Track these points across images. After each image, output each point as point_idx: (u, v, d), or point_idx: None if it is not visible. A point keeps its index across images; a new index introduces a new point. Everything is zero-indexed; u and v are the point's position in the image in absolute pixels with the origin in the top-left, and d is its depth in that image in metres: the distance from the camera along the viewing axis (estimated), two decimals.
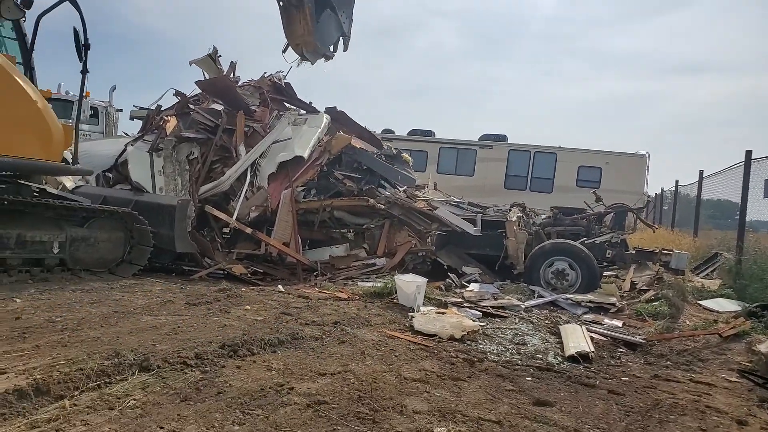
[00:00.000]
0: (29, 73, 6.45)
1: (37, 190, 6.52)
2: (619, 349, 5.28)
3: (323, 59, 10.16)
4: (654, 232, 11.50)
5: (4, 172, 6.11)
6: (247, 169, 8.74)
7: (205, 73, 10.54)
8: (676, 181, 17.63)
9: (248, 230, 8.27)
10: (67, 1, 6.16)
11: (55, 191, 7.03)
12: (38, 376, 3.14)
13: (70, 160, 6.53)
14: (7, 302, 4.92)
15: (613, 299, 7.12)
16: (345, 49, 10.25)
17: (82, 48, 6.31)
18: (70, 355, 3.64)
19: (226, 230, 8.61)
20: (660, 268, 8.29)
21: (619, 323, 6.25)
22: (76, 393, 3.08)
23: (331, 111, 10.71)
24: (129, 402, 3.04)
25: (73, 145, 6.56)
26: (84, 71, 6.50)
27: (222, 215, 8.25)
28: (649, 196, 18.48)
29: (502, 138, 19.39)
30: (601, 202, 9.72)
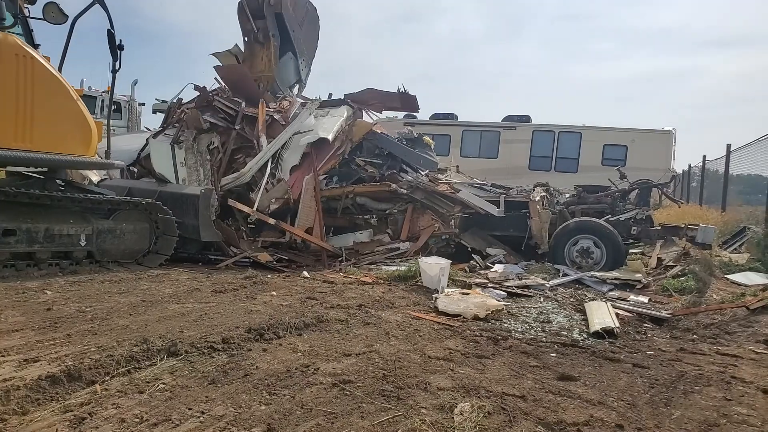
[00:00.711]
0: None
1: (63, 184, 6.67)
2: (645, 325, 5.22)
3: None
4: (680, 207, 11.30)
5: (43, 168, 6.38)
6: (268, 161, 8.77)
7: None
8: (704, 156, 17.25)
9: (271, 221, 8.31)
10: (98, 3, 6.31)
11: (80, 184, 7.17)
12: (70, 363, 3.22)
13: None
14: (38, 294, 5.04)
15: (638, 276, 7.03)
16: (299, 93, 10.32)
17: (117, 49, 6.55)
18: (100, 342, 3.72)
19: (250, 219, 8.69)
20: (686, 243, 8.15)
21: (645, 299, 6.18)
22: (107, 378, 3.15)
23: (355, 95, 10.54)
24: (158, 386, 3.10)
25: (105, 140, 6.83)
26: (116, 70, 6.71)
27: (243, 207, 8.26)
28: (675, 173, 18.10)
29: (526, 119, 19.15)
30: (626, 179, 9.58)
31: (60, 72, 6.28)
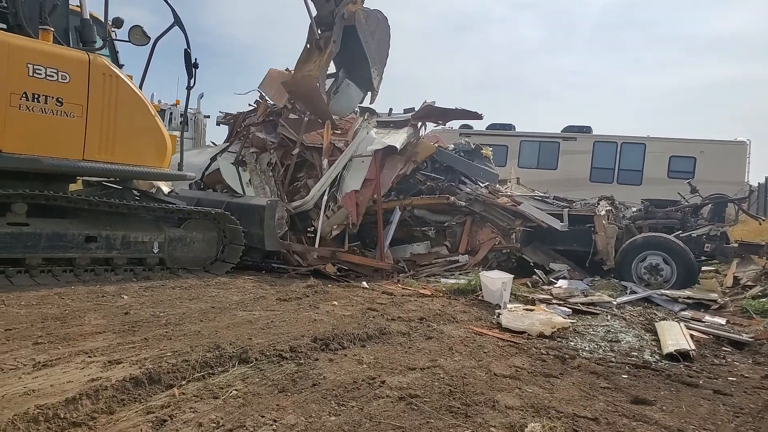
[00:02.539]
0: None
1: (138, 194, 7.00)
2: (724, 348, 4.99)
3: None
4: (760, 224, 10.77)
5: (124, 179, 6.79)
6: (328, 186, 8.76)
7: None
8: None
9: (327, 255, 8.13)
10: (177, 26, 6.68)
11: (154, 195, 7.52)
12: (150, 366, 3.36)
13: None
14: (116, 298, 5.28)
15: (713, 295, 6.74)
16: (371, 102, 10.28)
17: (193, 67, 6.91)
18: (176, 347, 3.86)
19: (309, 230, 8.80)
20: (767, 262, 7.76)
21: (722, 321, 5.90)
22: (184, 382, 3.27)
23: (418, 111, 10.52)
24: (231, 392, 3.19)
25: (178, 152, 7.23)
26: (190, 87, 7.11)
27: (300, 247, 8.14)
28: (751, 186, 17.31)
29: (587, 129, 18.76)
30: (697, 193, 9.23)
31: (141, 89, 6.62)
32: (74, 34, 6.47)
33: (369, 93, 9.78)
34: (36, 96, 5.60)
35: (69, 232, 5.88)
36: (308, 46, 8.98)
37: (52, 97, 5.70)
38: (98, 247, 6.08)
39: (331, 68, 9.38)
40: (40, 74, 5.60)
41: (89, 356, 3.53)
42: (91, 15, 6.52)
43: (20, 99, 5.50)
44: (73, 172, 6.24)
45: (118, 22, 6.83)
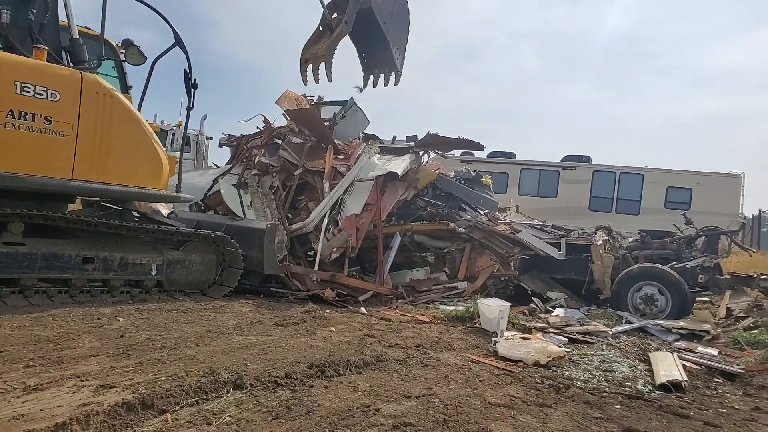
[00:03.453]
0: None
1: (137, 215, 7.01)
2: (715, 379, 5.00)
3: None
4: (751, 256, 10.82)
5: (116, 200, 6.74)
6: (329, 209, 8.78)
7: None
8: None
9: (326, 278, 8.19)
10: (178, 46, 6.72)
11: (153, 216, 7.53)
12: (143, 391, 3.35)
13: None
14: (111, 321, 5.27)
15: (707, 326, 6.76)
16: (396, 83, 10.21)
17: (192, 88, 6.92)
18: (170, 372, 3.86)
19: (309, 254, 8.83)
20: (759, 293, 7.79)
21: (715, 352, 5.92)
22: (177, 408, 3.26)
23: (421, 139, 10.60)
24: (225, 418, 3.19)
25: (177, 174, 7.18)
26: (190, 108, 7.10)
27: (299, 269, 8.22)
28: (745, 218, 17.42)
29: (586, 159, 18.94)
30: (692, 225, 9.30)
31: (140, 109, 6.66)
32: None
33: (393, 74, 9.73)
34: (23, 114, 5.54)
35: (66, 253, 5.88)
36: (320, 28, 8.91)
37: (40, 115, 5.64)
38: (95, 269, 6.07)
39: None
40: (29, 92, 5.55)
41: (81, 380, 3.53)
42: (90, 33, 6.56)
43: (6, 117, 5.45)
44: (61, 191, 6.11)
45: (126, 44, 6.87)
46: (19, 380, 3.44)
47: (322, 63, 8.80)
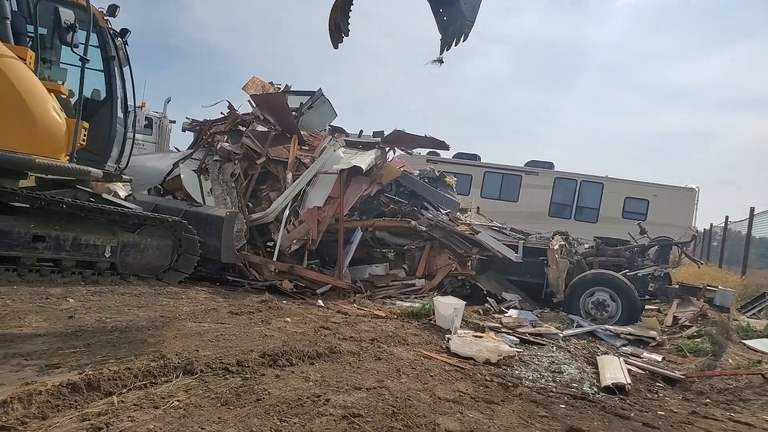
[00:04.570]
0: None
1: (93, 195, 6.84)
2: (657, 384, 5.18)
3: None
4: (699, 267, 11.21)
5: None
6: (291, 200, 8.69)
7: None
8: (726, 217, 17.18)
9: (285, 269, 8.14)
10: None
11: (109, 197, 7.34)
12: (90, 372, 3.29)
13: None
14: (60, 301, 5.16)
15: (653, 333, 6.97)
16: (465, 39, 9.53)
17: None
18: (119, 354, 3.80)
19: (269, 244, 8.77)
20: (704, 304, 8.08)
21: (659, 357, 6.12)
22: (124, 390, 3.22)
23: (388, 135, 10.60)
24: (172, 402, 3.16)
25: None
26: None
27: (257, 259, 8.16)
28: (696, 231, 18.00)
29: (549, 165, 19.25)
30: (646, 235, 9.58)
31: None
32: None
33: (466, 26, 9.22)
34: None
35: (15, 230, 5.70)
36: None
37: None
38: (46, 248, 5.91)
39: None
40: None
41: (26, 359, 3.45)
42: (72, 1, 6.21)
43: None
44: None
45: (111, 9, 6.61)
46: None
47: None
